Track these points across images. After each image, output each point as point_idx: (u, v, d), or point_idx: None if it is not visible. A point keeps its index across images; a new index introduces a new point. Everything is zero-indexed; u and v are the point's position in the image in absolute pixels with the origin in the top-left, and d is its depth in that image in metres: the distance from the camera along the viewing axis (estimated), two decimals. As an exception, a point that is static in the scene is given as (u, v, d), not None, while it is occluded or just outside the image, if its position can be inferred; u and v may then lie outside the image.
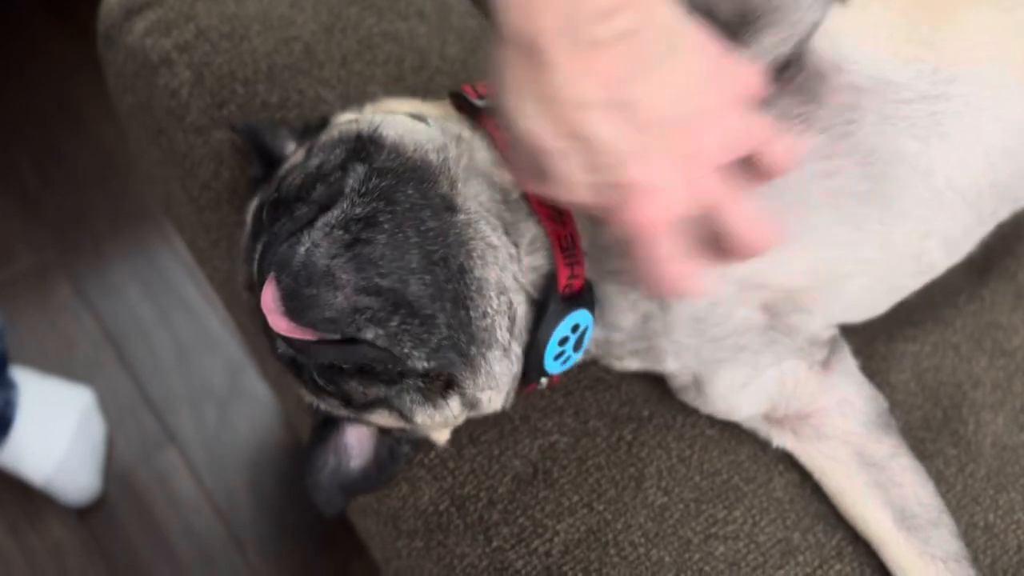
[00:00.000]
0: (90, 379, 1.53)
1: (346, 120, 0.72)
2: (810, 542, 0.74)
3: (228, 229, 0.82)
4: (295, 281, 0.60)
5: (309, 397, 0.72)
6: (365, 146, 0.66)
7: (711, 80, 0.51)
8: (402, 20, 0.88)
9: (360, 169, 0.64)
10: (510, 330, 0.67)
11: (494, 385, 0.68)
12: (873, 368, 0.82)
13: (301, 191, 0.64)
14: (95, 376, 1.55)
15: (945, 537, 0.74)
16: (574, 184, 0.51)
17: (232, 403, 1.55)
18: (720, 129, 0.52)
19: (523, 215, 0.67)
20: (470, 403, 0.68)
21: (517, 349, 0.68)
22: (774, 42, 0.64)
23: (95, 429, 1.46)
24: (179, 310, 1.61)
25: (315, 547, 1.46)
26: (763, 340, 0.72)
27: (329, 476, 0.74)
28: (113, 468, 1.48)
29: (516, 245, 0.67)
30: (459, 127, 0.69)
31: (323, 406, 0.72)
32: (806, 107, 0.67)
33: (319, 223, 0.61)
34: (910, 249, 0.72)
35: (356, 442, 0.75)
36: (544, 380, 0.71)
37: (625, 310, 0.71)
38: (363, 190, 0.62)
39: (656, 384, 0.78)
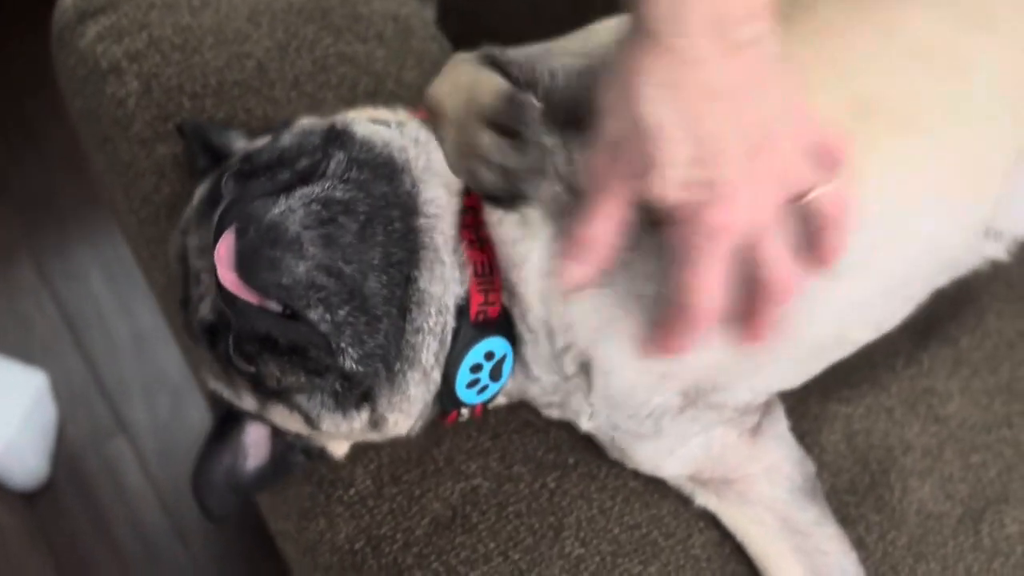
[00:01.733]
0: (45, 362, 1.52)
1: (310, 121, 0.72)
2: (726, 601, 0.75)
3: (162, 245, 0.81)
4: (260, 238, 0.59)
5: (214, 381, 0.70)
6: (340, 136, 0.67)
7: (796, 111, 0.56)
8: (360, 42, 0.87)
9: (341, 155, 0.64)
10: (436, 354, 0.66)
11: (405, 408, 0.67)
12: (804, 428, 0.81)
13: (276, 163, 0.65)
14: (50, 359, 1.53)
15: None
16: (673, 175, 0.54)
17: (186, 395, 1.54)
18: (795, 161, 0.56)
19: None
20: (376, 421, 0.67)
21: (436, 375, 0.67)
22: None
23: (46, 413, 1.45)
24: (140, 299, 1.60)
25: (260, 546, 1.46)
26: (685, 417, 0.71)
27: (224, 475, 0.72)
28: (62, 454, 1.48)
29: (460, 266, 0.66)
30: (416, 130, 0.70)
31: (225, 393, 0.70)
32: None
33: (299, 192, 0.61)
34: (829, 339, 0.73)
35: (253, 442, 0.73)
36: (465, 411, 0.70)
37: (543, 367, 0.70)
38: (345, 176, 0.63)
39: (585, 431, 0.78)
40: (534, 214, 0.67)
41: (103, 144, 0.85)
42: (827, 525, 0.76)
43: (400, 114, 0.74)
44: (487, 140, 0.60)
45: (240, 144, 0.78)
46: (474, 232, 0.68)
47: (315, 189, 0.61)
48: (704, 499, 0.76)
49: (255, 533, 1.46)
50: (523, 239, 0.67)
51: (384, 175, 0.64)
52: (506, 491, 0.74)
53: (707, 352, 0.68)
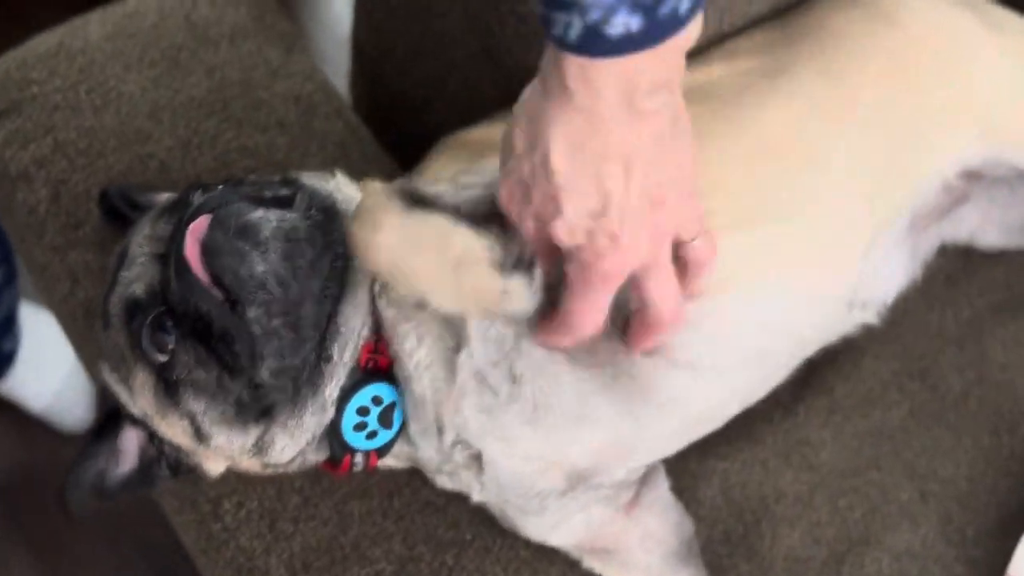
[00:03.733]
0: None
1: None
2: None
3: (86, 343, 0.86)
4: (236, 230, 0.66)
5: (109, 373, 0.73)
6: (293, 182, 0.75)
7: (687, 172, 0.62)
8: (261, 133, 0.90)
9: (304, 196, 0.71)
10: (338, 387, 0.72)
11: (296, 435, 0.72)
12: (683, 485, 0.89)
13: (252, 187, 0.71)
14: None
15: None
16: (575, 224, 0.60)
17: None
18: (686, 209, 0.62)
19: None
20: (265, 443, 0.72)
21: (331, 411, 0.73)
22: None
23: None
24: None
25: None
26: (568, 498, 0.78)
27: (93, 477, 0.76)
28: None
29: (372, 313, 0.73)
30: (345, 185, 0.77)
31: (117, 388, 0.73)
32: None
33: (275, 211, 0.68)
34: (697, 418, 0.80)
35: (126, 447, 0.77)
36: (359, 460, 0.75)
37: (428, 446, 0.76)
38: (308, 213, 0.70)
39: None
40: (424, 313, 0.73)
41: (20, 245, 0.89)
42: (698, 584, 0.85)
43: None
44: (510, 283, 0.63)
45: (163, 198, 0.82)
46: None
47: (287, 214, 0.69)
48: (591, 563, 0.84)
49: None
50: (411, 332, 0.73)
51: (331, 217, 0.71)
52: (408, 572, 0.81)
53: (588, 443, 0.76)
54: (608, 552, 0.84)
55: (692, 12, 0.56)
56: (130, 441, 0.78)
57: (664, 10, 0.55)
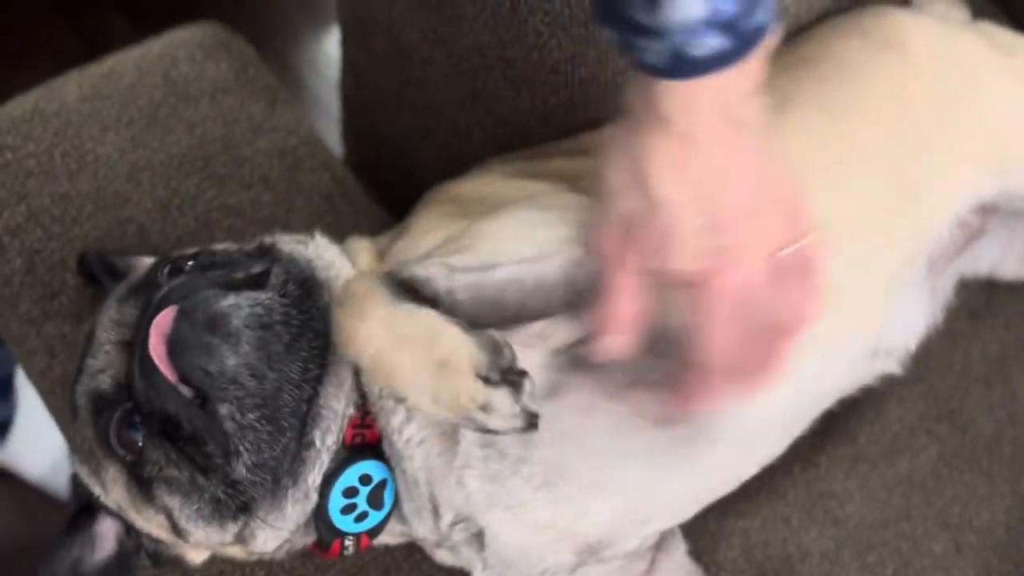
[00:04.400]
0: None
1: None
2: None
3: (66, 417, 0.82)
4: (204, 322, 0.61)
5: (80, 464, 0.70)
6: (269, 251, 0.71)
7: (778, 175, 0.61)
8: (244, 190, 0.87)
9: (279, 269, 0.67)
10: (321, 473, 0.67)
11: (278, 526, 0.68)
12: (701, 548, 0.84)
13: (216, 264, 0.67)
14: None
15: None
16: (687, 247, 0.59)
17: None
18: (778, 220, 0.61)
19: None
20: (246, 536, 0.68)
21: (315, 496, 0.68)
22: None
23: None
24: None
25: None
26: (577, 574, 0.73)
27: (68, 568, 0.72)
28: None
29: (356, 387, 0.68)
30: (324, 248, 0.74)
31: (89, 481, 0.70)
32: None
33: (246, 293, 0.64)
34: (712, 485, 0.74)
35: (102, 534, 0.74)
36: (349, 543, 0.71)
37: (424, 526, 0.71)
38: (283, 291, 0.66)
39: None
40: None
41: (-4, 316, 0.86)
42: (722, 655, 0.79)
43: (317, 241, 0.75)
44: (493, 396, 0.60)
45: (143, 263, 0.78)
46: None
47: (261, 295, 0.64)
48: (603, 633, 0.79)
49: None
50: (399, 407, 0.68)
51: (309, 290, 0.67)
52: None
53: (604, 511, 0.71)
54: (622, 623, 0.78)
55: (772, 18, 0.56)
56: (107, 528, 0.74)
57: (748, 23, 0.54)
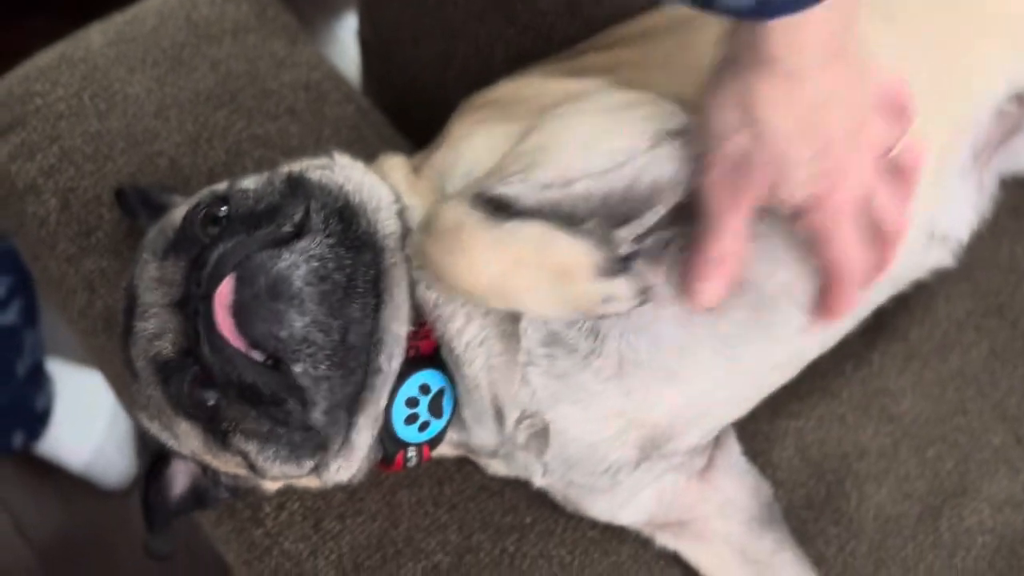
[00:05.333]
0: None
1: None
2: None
3: (107, 355, 0.82)
4: (266, 290, 0.61)
5: (148, 420, 0.70)
6: (300, 183, 0.68)
7: (872, 84, 0.63)
8: (272, 121, 0.87)
9: (316, 206, 0.66)
10: (387, 395, 0.67)
11: (350, 456, 0.68)
12: (756, 449, 0.83)
13: (256, 212, 0.66)
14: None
15: None
16: (799, 174, 0.62)
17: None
18: (879, 125, 0.64)
19: None
20: (321, 468, 0.68)
21: (382, 418, 0.68)
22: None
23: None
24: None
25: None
26: (641, 470, 0.72)
27: (163, 516, 0.74)
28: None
29: (409, 300, 0.67)
30: (349, 167, 0.72)
31: (162, 435, 0.70)
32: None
33: (298, 246, 0.63)
34: (776, 367, 0.74)
35: (176, 471, 0.74)
36: (412, 454, 0.70)
37: (484, 430, 0.71)
38: (327, 230, 0.65)
39: (540, 486, 0.79)
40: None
41: (34, 261, 0.86)
42: (785, 550, 0.77)
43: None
44: (614, 287, 0.61)
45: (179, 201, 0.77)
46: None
47: (310, 244, 0.63)
48: (663, 540, 0.78)
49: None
50: (458, 312, 0.67)
51: (348, 219, 0.66)
52: (467, 563, 0.75)
53: (672, 400, 0.70)
54: (682, 524, 0.77)
55: None
56: (178, 469, 0.74)
57: None
